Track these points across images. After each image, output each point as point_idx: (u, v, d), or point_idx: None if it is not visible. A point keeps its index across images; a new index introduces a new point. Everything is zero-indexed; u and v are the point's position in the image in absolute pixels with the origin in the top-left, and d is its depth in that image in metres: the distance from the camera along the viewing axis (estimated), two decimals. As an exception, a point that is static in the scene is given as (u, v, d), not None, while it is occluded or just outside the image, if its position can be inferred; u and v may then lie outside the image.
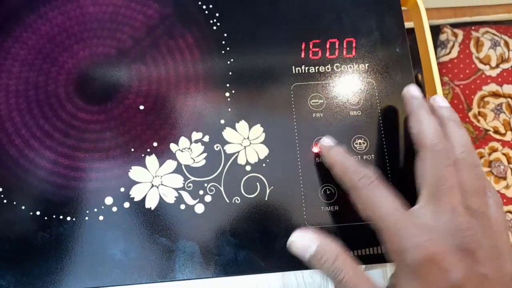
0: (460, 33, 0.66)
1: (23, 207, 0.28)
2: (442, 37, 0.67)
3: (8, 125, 0.31)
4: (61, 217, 0.28)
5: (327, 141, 0.29)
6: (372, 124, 0.31)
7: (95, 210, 0.28)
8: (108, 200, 0.29)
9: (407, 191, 0.29)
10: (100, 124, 0.31)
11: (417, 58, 0.35)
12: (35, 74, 0.32)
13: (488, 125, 0.62)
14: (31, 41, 0.33)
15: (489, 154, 0.60)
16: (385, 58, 0.32)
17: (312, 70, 0.32)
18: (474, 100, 0.64)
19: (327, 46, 0.33)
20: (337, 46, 0.33)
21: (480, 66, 0.65)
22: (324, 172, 0.30)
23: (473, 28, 0.67)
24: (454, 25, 0.67)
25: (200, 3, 0.33)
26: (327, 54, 0.33)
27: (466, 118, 0.64)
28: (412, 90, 0.29)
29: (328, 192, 0.29)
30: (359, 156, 0.30)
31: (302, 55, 0.32)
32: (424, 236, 0.23)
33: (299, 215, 0.29)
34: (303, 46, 0.33)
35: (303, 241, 0.26)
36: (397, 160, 0.30)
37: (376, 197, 0.25)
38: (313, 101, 0.31)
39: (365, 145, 0.30)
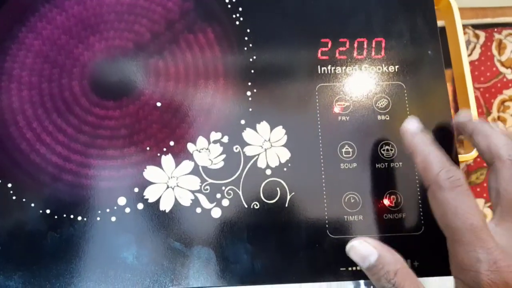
0: (482, 34, 0.64)
1: (32, 205, 0.27)
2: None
3: (19, 118, 0.30)
4: (71, 216, 0.27)
5: (412, 124, 0.27)
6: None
7: (108, 210, 0.27)
8: (121, 201, 0.27)
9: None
10: (115, 121, 0.30)
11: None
12: (49, 66, 0.31)
13: (507, 130, 0.60)
14: (46, 32, 0.32)
15: (510, 161, 0.59)
16: (416, 60, 0.31)
17: (338, 71, 0.30)
18: (494, 104, 0.62)
19: (355, 45, 0.31)
20: (365, 46, 0.31)
21: (502, 69, 0.63)
22: (349, 178, 0.28)
23: (495, 30, 0.65)
24: (475, 26, 0.65)
25: (223, -4, 0.32)
26: (355, 54, 0.31)
27: (486, 123, 0.62)
28: (462, 117, 0.28)
29: (352, 201, 0.28)
30: (386, 164, 0.28)
31: (329, 54, 0.31)
32: (502, 259, 0.21)
33: (321, 224, 0.27)
34: (329, 45, 0.31)
35: (364, 247, 0.24)
36: (426, 169, 0.28)
37: (460, 205, 0.22)
38: (339, 103, 0.30)
39: (392, 152, 0.29)
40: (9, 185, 0.27)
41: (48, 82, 0.31)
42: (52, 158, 0.29)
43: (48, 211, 0.27)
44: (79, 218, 0.27)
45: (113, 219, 0.27)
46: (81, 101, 0.30)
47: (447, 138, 0.29)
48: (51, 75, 0.31)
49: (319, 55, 0.31)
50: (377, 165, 0.28)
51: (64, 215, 0.27)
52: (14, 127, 0.30)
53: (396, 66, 0.31)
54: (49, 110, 0.30)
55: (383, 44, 0.31)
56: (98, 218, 0.27)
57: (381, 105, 0.30)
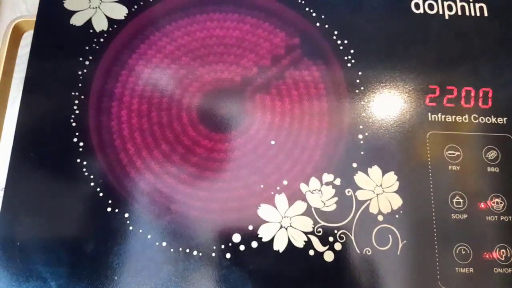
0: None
1: (149, 236, 0.27)
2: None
3: (129, 145, 0.30)
4: (187, 250, 0.27)
5: None
6: (511, 183, 0.29)
7: (222, 246, 0.27)
8: (236, 238, 0.27)
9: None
10: (223, 153, 0.30)
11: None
12: (159, 95, 0.31)
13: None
14: (156, 60, 0.32)
15: None
16: (525, 113, 0.31)
17: (449, 119, 0.30)
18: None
19: (462, 94, 0.31)
20: (472, 95, 0.31)
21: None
22: (460, 230, 0.28)
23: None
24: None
25: (335, 37, 0.32)
26: (463, 103, 0.31)
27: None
28: None
29: (463, 253, 0.28)
30: (496, 217, 0.28)
31: (437, 102, 0.31)
32: None
33: (432, 274, 0.27)
34: (437, 92, 0.31)
35: None
36: (536, 224, 0.28)
37: None
38: (449, 152, 0.30)
39: (502, 205, 0.29)
40: (126, 215, 0.28)
41: (157, 110, 0.31)
42: (163, 188, 0.29)
43: (164, 244, 0.27)
44: (195, 252, 0.27)
45: (228, 256, 0.27)
46: (188, 131, 0.31)
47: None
48: (160, 103, 0.31)
49: (427, 101, 0.31)
50: (487, 218, 0.28)
51: (180, 249, 0.27)
52: (124, 154, 0.30)
53: (505, 118, 0.31)
54: (158, 139, 0.31)
55: (490, 95, 0.31)
56: (213, 254, 0.27)
57: (491, 156, 0.30)
